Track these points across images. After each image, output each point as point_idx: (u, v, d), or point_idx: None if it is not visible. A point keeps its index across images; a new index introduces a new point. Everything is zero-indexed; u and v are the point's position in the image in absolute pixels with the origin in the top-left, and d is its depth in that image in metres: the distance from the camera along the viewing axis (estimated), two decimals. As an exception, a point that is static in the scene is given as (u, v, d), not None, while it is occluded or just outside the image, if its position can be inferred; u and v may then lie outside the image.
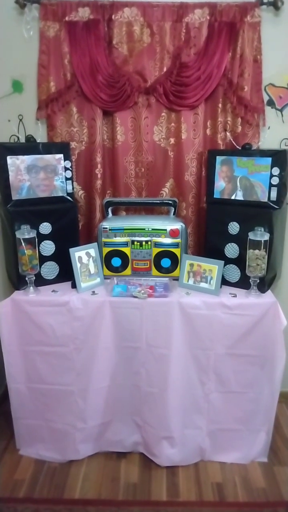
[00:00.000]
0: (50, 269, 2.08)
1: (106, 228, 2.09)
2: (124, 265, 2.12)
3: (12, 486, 1.99)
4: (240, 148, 2.08)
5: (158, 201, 2.27)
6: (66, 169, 2.08)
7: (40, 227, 2.01)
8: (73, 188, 2.14)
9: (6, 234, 2.02)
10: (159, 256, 2.10)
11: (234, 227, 2.02)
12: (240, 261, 2.02)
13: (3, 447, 2.20)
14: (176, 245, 2.08)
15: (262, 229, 1.90)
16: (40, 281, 2.04)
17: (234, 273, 2.06)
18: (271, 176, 1.93)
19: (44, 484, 1.99)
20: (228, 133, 2.15)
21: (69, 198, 2.12)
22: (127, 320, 1.94)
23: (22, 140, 2.15)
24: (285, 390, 2.26)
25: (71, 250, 1.98)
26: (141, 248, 2.09)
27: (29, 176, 2.00)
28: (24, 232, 1.91)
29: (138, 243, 2.09)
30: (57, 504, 1.90)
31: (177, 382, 1.97)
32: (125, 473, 2.06)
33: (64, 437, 2.07)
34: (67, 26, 2.05)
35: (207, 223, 2.13)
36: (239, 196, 2.03)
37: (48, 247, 2.05)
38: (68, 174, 2.10)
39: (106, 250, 2.10)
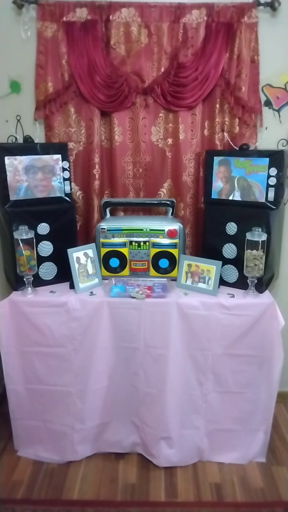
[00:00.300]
0: (48, 270, 2.08)
1: (104, 228, 2.09)
2: (122, 266, 2.12)
3: (10, 487, 1.98)
4: (237, 149, 2.08)
5: (156, 202, 2.27)
6: (64, 169, 2.08)
7: (38, 227, 2.01)
8: (71, 189, 2.14)
9: (4, 234, 2.01)
10: (157, 256, 2.10)
11: (231, 228, 2.02)
12: (238, 262, 2.02)
13: (1, 448, 2.20)
14: (174, 246, 2.08)
15: (260, 230, 1.90)
16: (38, 281, 2.04)
17: (232, 273, 2.06)
18: (269, 176, 1.94)
19: (43, 485, 1.99)
20: (225, 134, 2.16)
21: (67, 198, 2.12)
22: (125, 321, 1.94)
23: (20, 140, 2.15)
24: (283, 390, 2.27)
25: (69, 250, 1.98)
26: (139, 248, 2.09)
27: (27, 176, 2.00)
28: (22, 233, 1.91)
29: (136, 244, 2.09)
30: (55, 505, 1.89)
31: (175, 382, 1.97)
32: (123, 474, 2.06)
33: (62, 438, 2.06)
34: (64, 26, 2.05)
35: (205, 223, 2.13)
36: (236, 196, 2.04)
37: (46, 247, 2.05)
38: (66, 174, 2.09)
39: (104, 250, 2.10)
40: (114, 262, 2.12)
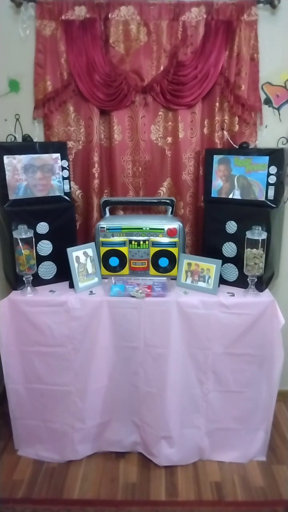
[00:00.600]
0: (47, 269, 2.07)
1: (104, 227, 2.08)
2: (122, 265, 2.12)
3: (10, 486, 1.98)
4: (237, 147, 2.07)
5: (156, 201, 2.26)
6: (63, 168, 2.08)
7: (37, 227, 2.00)
8: (70, 188, 2.14)
9: (3, 234, 2.01)
10: (157, 255, 2.09)
11: (231, 226, 2.02)
12: (238, 260, 2.01)
13: (1, 447, 2.19)
14: (173, 245, 2.08)
15: (260, 228, 1.90)
16: (38, 281, 2.03)
17: (232, 272, 2.06)
18: (269, 175, 1.93)
19: (43, 485, 1.99)
20: (225, 132, 2.15)
21: (66, 197, 2.11)
22: (125, 320, 1.94)
23: (19, 139, 2.14)
24: (283, 389, 2.27)
25: (69, 250, 1.98)
26: (138, 247, 2.09)
27: (26, 175, 1.99)
28: (21, 232, 1.91)
29: (136, 243, 2.09)
30: (56, 505, 1.89)
31: (175, 381, 1.97)
32: (123, 473, 2.06)
33: (63, 438, 2.06)
34: (63, 25, 2.05)
35: (205, 222, 2.12)
36: (236, 195, 2.03)
37: (45, 247, 2.05)
38: (65, 173, 2.09)
39: (103, 249, 2.09)
40: (114, 261, 2.11)
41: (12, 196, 1.97)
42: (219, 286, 1.99)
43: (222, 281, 2.05)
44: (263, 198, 1.96)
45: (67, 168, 2.10)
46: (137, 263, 2.11)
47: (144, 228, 2.08)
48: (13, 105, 2.15)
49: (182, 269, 2.05)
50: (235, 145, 2.09)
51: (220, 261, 1.97)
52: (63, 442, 2.07)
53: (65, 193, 2.11)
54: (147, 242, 2.08)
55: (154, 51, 2.08)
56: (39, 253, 2.02)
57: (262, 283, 1.99)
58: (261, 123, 2.16)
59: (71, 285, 2.00)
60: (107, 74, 2.08)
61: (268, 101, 2.15)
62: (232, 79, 2.08)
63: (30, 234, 1.93)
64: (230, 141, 2.12)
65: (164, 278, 2.08)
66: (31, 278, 1.98)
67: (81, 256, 2.02)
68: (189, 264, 2.03)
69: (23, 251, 1.90)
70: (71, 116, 2.16)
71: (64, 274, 2.03)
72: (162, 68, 2.09)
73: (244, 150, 2.02)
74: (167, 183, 2.28)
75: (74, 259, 1.99)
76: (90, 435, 2.08)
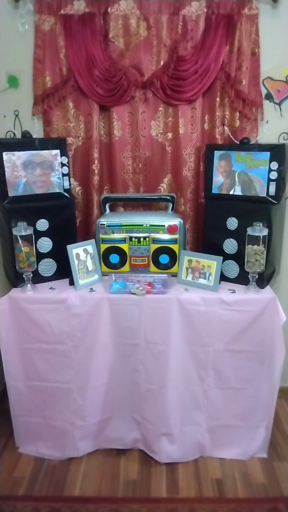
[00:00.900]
0: (47, 266, 2.06)
1: (104, 224, 2.07)
2: (122, 262, 2.11)
3: (11, 484, 1.98)
4: (238, 143, 2.05)
5: (156, 197, 2.25)
6: (62, 165, 2.06)
7: (37, 224, 1.99)
8: (70, 184, 2.12)
9: (3, 231, 2.00)
10: (157, 252, 2.08)
11: (232, 223, 2.01)
12: (238, 257, 2.00)
13: (2, 445, 2.20)
14: (174, 241, 2.07)
15: (261, 224, 1.89)
16: (38, 278, 2.03)
17: (232, 268, 2.05)
18: (270, 170, 1.91)
19: (44, 482, 1.99)
20: (226, 128, 2.13)
21: (66, 194, 2.10)
22: (125, 317, 1.93)
23: (18, 136, 2.13)
24: (284, 385, 2.26)
25: (69, 247, 1.97)
26: (139, 244, 2.08)
27: (26, 172, 1.98)
28: (21, 229, 1.90)
29: (136, 240, 2.08)
30: (56, 502, 1.89)
31: (176, 378, 1.96)
32: (124, 470, 2.06)
33: (63, 435, 2.06)
34: (62, 19, 2.03)
35: (206, 218, 2.11)
36: (237, 191, 2.02)
37: (45, 244, 2.04)
38: (65, 170, 2.07)
39: (104, 246, 2.08)
40: (114, 258, 2.10)
41: (11, 193, 1.96)
42: (220, 283, 1.98)
43: (223, 277, 2.04)
44: (264, 194, 1.95)
45: (67, 164, 2.08)
46: (137, 260, 2.10)
47: (144, 225, 2.07)
48: (12, 101, 2.13)
49: (183, 266, 2.04)
50: (236, 141, 2.08)
51: (221, 257, 1.96)
52: (64, 440, 2.07)
53: (65, 190, 2.09)
54: (147, 239, 2.07)
55: (154, 46, 2.06)
56: (39, 250, 2.02)
57: (263, 279, 1.98)
58: (262, 118, 2.14)
59: (71, 282, 2.00)
60: (106, 70, 2.07)
61: (269, 96, 2.13)
62: (233, 74, 2.06)
63: (30, 231, 1.92)
64: (231, 136, 2.10)
65: (165, 275, 2.07)
66: (31, 275, 1.97)
67: (81, 253, 2.01)
68: (190, 261, 2.02)
69: (23, 248, 1.89)
70: (71, 112, 2.15)
71: (64, 271, 2.03)
72: (162, 63, 2.07)
73: (245, 145, 2.01)
74: (168, 179, 2.27)
75: (74, 256, 1.98)
76: (91, 432, 2.08)
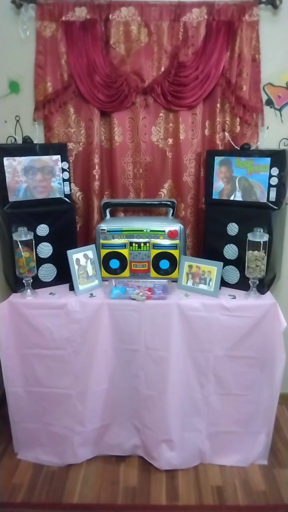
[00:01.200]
0: (47, 272, 2.06)
1: (104, 229, 2.07)
2: (122, 267, 2.10)
3: (10, 490, 1.97)
4: (238, 148, 2.06)
5: (157, 202, 2.25)
6: (63, 170, 2.07)
7: (37, 229, 1.99)
8: (70, 190, 2.13)
9: (3, 236, 2.00)
10: (158, 257, 2.08)
11: (233, 228, 2.01)
12: (239, 262, 2.00)
13: (1, 451, 2.18)
14: (174, 247, 2.06)
15: (261, 230, 1.88)
16: (38, 283, 2.02)
17: (233, 274, 2.04)
18: (270, 176, 1.92)
19: (43, 489, 1.98)
20: (226, 133, 2.14)
21: (66, 199, 2.10)
22: (125, 323, 1.93)
23: (19, 141, 2.14)
24: (285, 391, 2.24)
25: (69, 252, 1.97)
26: (139, 249, 2.08)
27: (26, 177, 1.98)
28: (21, 234, 1.90)
29: (137, 245, 2.07)
30: (55, 509, 1.88)
31: (176, 384, 1.96)
32: (124, 477, 2.04)
33: (63, 441, 2.05)
34: (64, 26, 2.04)
35: (206, 224, 2.11)
36: (238, 196, 2.02)
37: (45, 249, 2.04)
38: (66, 175, 2.08)
39: (104, 252, 2.08)
40: (114, 263, 2.10)
41: (12, 198, 1.97)
42: (220, 288, 1.97)
43: (224, 283, 2.03)
44: (264, 200, 1.95)
45: (68, 170, 2.09)
46: (137, 265, 2.10)
47: (144, 230, 2.07)
48: (13, 107, 2.14)
49: (183, 271, 2.03)
50: (236, 147, 2.08)
51: (221, 263, 1.96)
52: (63, 446, 2.06)
53: (66, 195, 2.10)
54: (147, 244, 2.07)
55: (155, 52, 2.07)
56: (39, 255, 2.01)
57: (264, 285, 1.98)
58: (263, 124, 2.14)
59: (71, 288, 1.99)
60: (107, 75, 2.07)
61: (269, 102, 2.14)
62: (234, 80, 2.06)
63: (30, 236, 1.92)
64: (232, 142, 2.10)
65: (165, 280, 2.07)
66: (31, 280, 1.97)
67: (81, 259, 2.01)
68: (190, 266, 2.02)
69: (23, 254, 1.89)
70: (72, 118, 2.15)
71: (64, 276, 2.02)
72: (163, 69, 2.08)
73: (245, 151, 2.01)
74: (168, 185, 2.27)
75: (74, 262, 1.98)
76: (90, 439, 2.07)
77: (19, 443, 2.13)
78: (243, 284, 1.99)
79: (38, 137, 2.15)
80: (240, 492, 1.96)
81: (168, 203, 2.20)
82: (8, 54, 2.09)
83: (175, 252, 2.07)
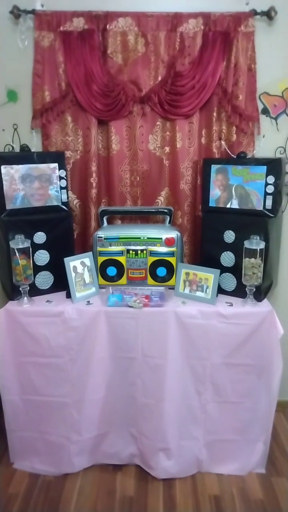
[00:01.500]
0: (44, 279, 2.06)
1: (101, 237, 2.07)
2: (119, 274, 2.10)
3: (6, 500, 1.95)
4: (235, 157, 2.07)
5: (154, 210, 2.26)
6: (61, 178, 2.07)
7: (34, 236, 2.00)
8: (68, 197, 2.13)
9: (0, 244, 2.00)
10: (155, 265, 2.09)
11: (229, 236, 2.01)
12: (236, 270, 2.01)
13: (-3, 460, 2.17)
14: (171, 254, 2.07)
15: (258, 238, 1.89)
16: (35, 291, 2.02)
17: (230, 281, 2.05)
18: (266, 184, 1.93)
19: (39, 498, 1.96)
20: (223, 142, 2.15)
21: (64, 207, 2.11)
22: (122, 330, 1.92)
23: (17, 149, 2.14)
24: (282, 399, 2.24)
25: (66, 259, 1.97)
26: (136, 257, 2.08)
27: (24, 185, 1.99)
28: (18, 242, 1.90)
29: (134, 252, 2.08)
30: (51, 519, 1.87)
31: (174, 392, 1.95)
32: (121, 486, 2.03)
33: (59, 450, 2.04)
34: (61, 36, 2.06)
35: (203, 231, 2.12)
36: (234, 204, 2.03)
37: (42, 256, 2.04)
38: (63, 183, 2.09)
39: (101, 259, 2.09)
40: (111, 270, 2.10)
41: (9, 206, 1.97)
42: (217, 295, 1.97)
43: (221, 290, 2.04)
44: (261, 208, 1.96)
45: (65, 177, 2.09)
46: (134, 272, 2.10)
47: (142, 238, 2.07)
48: (11, 115, 2.15)
49: (180, 278, 2.04)
50: (232, 155, 2.10)
51: (218, 270, 1.96)
52: (60, 455, 2.04)
53: (63, 203, 2.10)
54: (145, 252, 2.08)
55: (152, 62, 2.09)
56: (36, 263, 2.01)
57: (261, 292, 1.98)
58: (259, 132, 2.16)
59: (68, 295, 1.99)
60: (105, 84, 2.09)
61: (265, 111, 2.16)
62: (230, 89, 2.08)
63: (27, 244, 1.92)
64: (228, 150, 2.12)
65: (162, 287, 2.07)
66: (28, 288, 1.96)
67: (79, 266, 2.01)
68: (187, 274, 2.02)
69: (20, 261, 1.89)
70: (69, 126, 2.17)
71: (61, 284, 2.02)
72: (160, 78, 2.10)
73: (241, 159, 2.03)
74: (165, 193, 2.28)
75: (71, 269, 1.98)
76: (87, 447, 2.05)
77: (15, 452, 2.11)
78: (240, 292, 2.00)
79: (35, 145, 2.16)
80: (238, 501, 1.95)
81: (165, 210, 2.21)
82: (6, 63, 2.11)
83: (172, 260, 2.07)
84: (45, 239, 2.03)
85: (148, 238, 2.07)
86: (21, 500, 1.95)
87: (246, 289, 1.95)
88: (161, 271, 2.09)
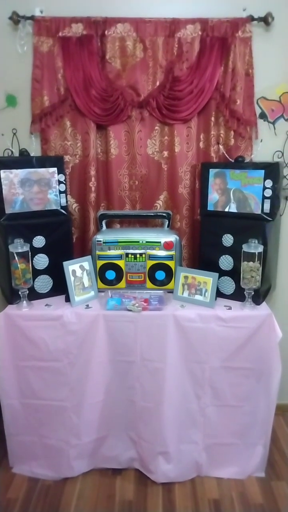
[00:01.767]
0: (43, 283, 2.06)
1: (100, 241, 2.08)
2: (118, 278, 2.11)
3: (5, 505, 1.94)
4: (233, 161, 2.09)
5: (152, 214, 2.27)
6: (60, 182, 2.08)
7: (33, 240, 2.00)
8: (67, 201, 2.14)
9: (-1, 248, 2.01)
10: (154, 268, 2.09)
11: (228, 239, 2.02)
12: (234, 273, 2.01)
13: (-4, 464, 2.16)
14: (170, 258, 2.07)
15: (256, 241, 1.90)
16: (34, 295, 2.02)
17: (228, 285, 2.05)
18: (264, 188, 1.94)
19: (38, 503, 1.95)
20: (221, 146, 2.17)
21: (63, 211, 2.12)
22: (121, 334, 1.93)
23: (16, 154, 2.15)
24: (281, 402, 2.24)
25: (65, 263, 1.97)
26: (135, 260, 2.09)
27: (23, 189, 1.99)
28: (17, 246, 1.90)
29: (132, 256, 2.08)
30: (51, 524, 1.86)
31: (173, 396, 1.95)
32: (120, 490, 2.02)
33: (58, 454, 2.03)
34: (60, 41, 2.07)
35: (201, 235, 2.12)
36: (232, 208, 2.04)
37: (41, 260, 2.04)
38: (62, 187, 2.09)
39: (100, 263, 2.09)
40: (110, 274, 2.11)
41: (8, 210, 1.97)
42: (216, 299, 1.98)
43: (219, 294, 2.04)
44: (259, 212, 1.97)
45: (64, 182, 2.10)
46: (133, 276, 2.11)
47: (140, 241, 2.08)
48: (10, 120, 2.16)
49: (179, 282, 2.04)
50: (230, 159, 2.11)
51: (217, 274, 1.97)
52: (59, 459, 2.04)
53: (62, 207, 2.11)
54: (143, 255, 2.08)
55: (150, 67, 2.10)
56: (35, 267, 2.02)
57: (259, 296, 1.99)
58: (257, 137, 2.18)
59: (67, 299, 1.99)
60: (103, 89, 2.10)
61: (263, 116, 2.18)
62: (228, 94, 2.10)
63: (26, 248, 1.92)
64: (226, 155, 2.13)
65: (161, 291, 2.08)
66: (27, 292, 1.97)
67: (78, 270, 2.02)
68: (186, 277, 2.03)
69: (19, 265, 1.90)
70: (68, 131, 2.18)
71: (60, 287, 2.03)
72: (158, 83, 2.11)
73: (239, 164, 2.04)
74: (164, 197, 2.29)
75: (70, 273, 1.98)
76: (86, 451, 2.05)
77: (14, 457, 2.10)
78: (238, 295, 2.00)
79: (34, 150, 2.18)
80: (238, 505, 1.94)
81: (164, 214, 2.22)
82: (5, 69, 2.13)
83: (171, 263, 2.08)
84: (44, 243, 2.03)
85: (147, 242, 2.08)
86: (20, 505, 1.94)
87: (245, 292, 1.96)
88: (160, 275, 2.10)
